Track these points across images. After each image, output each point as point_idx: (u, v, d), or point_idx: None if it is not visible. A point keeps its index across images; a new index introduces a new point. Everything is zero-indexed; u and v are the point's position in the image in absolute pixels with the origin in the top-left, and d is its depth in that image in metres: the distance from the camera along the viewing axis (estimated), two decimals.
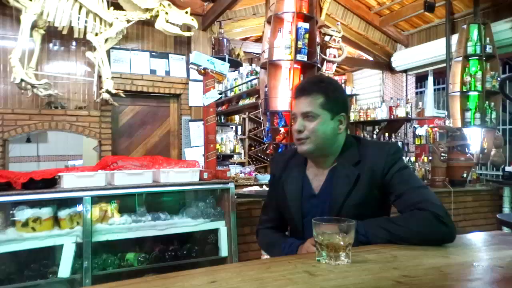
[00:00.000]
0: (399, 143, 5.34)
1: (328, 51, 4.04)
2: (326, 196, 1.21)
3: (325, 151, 1.23)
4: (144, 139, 4.95)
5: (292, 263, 0.87)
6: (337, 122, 1.22)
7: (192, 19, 4.47)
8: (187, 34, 4.59)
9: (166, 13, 4.37)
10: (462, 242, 1.06)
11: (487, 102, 4.72)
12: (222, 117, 6.40)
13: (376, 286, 0.72)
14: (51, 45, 4.37)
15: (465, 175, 3.85)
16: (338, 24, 4.19)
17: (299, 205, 1.25)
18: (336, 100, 1.22)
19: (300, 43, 3.34)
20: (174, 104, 5.12)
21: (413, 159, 4.70)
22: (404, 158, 4.90)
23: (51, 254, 2.34)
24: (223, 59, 4.00)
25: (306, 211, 1.24)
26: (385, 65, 7.17)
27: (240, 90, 5.51)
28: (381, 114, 5.40)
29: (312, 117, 1.19)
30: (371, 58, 7.27)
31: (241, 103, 5.36)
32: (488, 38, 4.73)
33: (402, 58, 6.78)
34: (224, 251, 2.67)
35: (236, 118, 6.97)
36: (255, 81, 5.04)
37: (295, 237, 1.29)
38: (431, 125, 5.20)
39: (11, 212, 2.26)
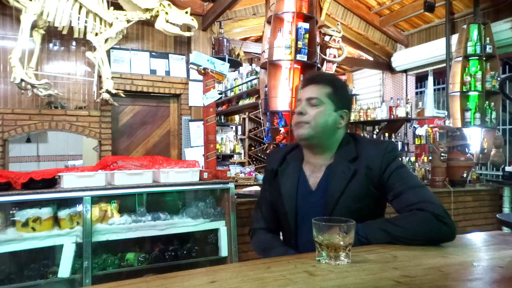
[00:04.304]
0: (399, 143, 5.35)
1: (328, 51, 4.04)
2: (323, 193, 1.19)
3: (322, 141, 1.22)
4: (144, 139, 4.95)
5: (292, 263, 0.87)
6: (338, 116, 1.23)
7: (192, 19, 4.47)
8: (187, 34, 4.59)
9: (166, 13, 4.37)
10: (462, 242, 1.06)
11: (487, 102, 4.72)
12: (222, 117, 6.40)
13: (376, 286, 0.72)
14: (51, 45, 4.37)
15: (465, 175, 3.85)
16: (338, 24, 4.19)
17: (294, 201, 1.22)
18: (342, 95, 1.25)
19: (300, 43, 3.35)
20: (174, 104, 5.12)
21: (413, 159, 4.71)
22: (403, 158, 4.91)
23: (51, 254, 2.34)
24: (223, 59, 4.00)
25: (301, 208, 1.22)
26: (385, 65, 7.18)
27: (240, 90, 5.51)
28: (381, 114, 5.40)
29: (316, 104, 1.21)
30: (371, 58, 7.27)
31: (241, 103, 5.36)
32: (488, 38, 4.73)
33: (402, 58, 6.78)
34: (224, 251, 2.67)
35: (236, 118, 6.97)
36: (255, 81, 5.04)
37: (287, 236, 1.26)
38: (431, 125, 5.20)
39: (11, 212, 2.27)
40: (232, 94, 5.83)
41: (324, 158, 1.24)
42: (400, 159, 1.23)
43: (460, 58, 4.78)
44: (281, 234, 1.37)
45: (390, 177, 1.15)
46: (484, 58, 4.72)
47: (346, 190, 1.15)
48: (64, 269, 2.21)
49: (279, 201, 1.26)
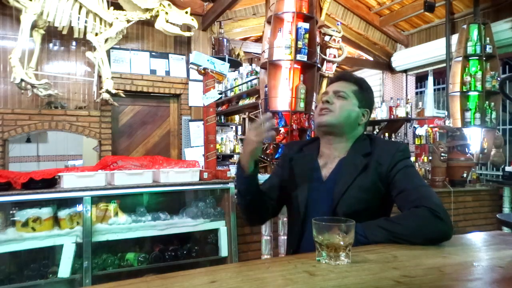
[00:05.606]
0: None
1: (328, 51, 4.04)
2: (332, 183, 1.22)
3: (341, 132, 1.28)
4: (144, 139, 4.95)
5: (292, 263, 0.87)
6: (361, 113, 1.32)
7: (192, 19, 4.47)
8: (187, 34, 4.59)
9: (166, 13, 4.37)
10: (462, 242, 1.06)
11: (487, 102, 4.72)
12: (222, 117, 6.40)
13: (376, 286, 0.72)
14: (51, 45, 4.37)
15: (465, 175, 3.85)
16: (338, 24, 4.19)
17: (305, 190, 1.26)
18: (367, 95, 1.35)
19: (300, 43, 3.34)
20: (174, 104, 5.12)
21: (413, 159, 4.71)
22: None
23: (51, 254, 2.34)
24: (223, 59, 4.00)
25: (310, 197, 1.25)
26: (385, 65, 7.17)
27: (240, 90, 5.51)
28: (381, 114, 5.41)
29: (343, 97, 1.29)
30: (371, 58, 7.26)
31: (241, 103, 5.36)
32: (488, 38, 4.73)
33: (402, 58, 6.77)
34: (224, 251, 2.67)
35: (236, 118, 6.96)
36: (255, 81, 5.03)
37: (295, 223, 1.29)
38: (431, 125, 5.19)
39: (11, 212, 2.27)
40: (232, 94, 5.83)
41: (339, 151, 1.29)
42: (410, 160, 1.25)
43: (460, 58, 4.78)
44: (287, 225, 1.42)
45: (397, 175, 1.18)
46: (484, 58, 4.72)
47: (355, 181, 1.19)
48: (64, 269, 2.21)
49: (291, 187, 1.31)
